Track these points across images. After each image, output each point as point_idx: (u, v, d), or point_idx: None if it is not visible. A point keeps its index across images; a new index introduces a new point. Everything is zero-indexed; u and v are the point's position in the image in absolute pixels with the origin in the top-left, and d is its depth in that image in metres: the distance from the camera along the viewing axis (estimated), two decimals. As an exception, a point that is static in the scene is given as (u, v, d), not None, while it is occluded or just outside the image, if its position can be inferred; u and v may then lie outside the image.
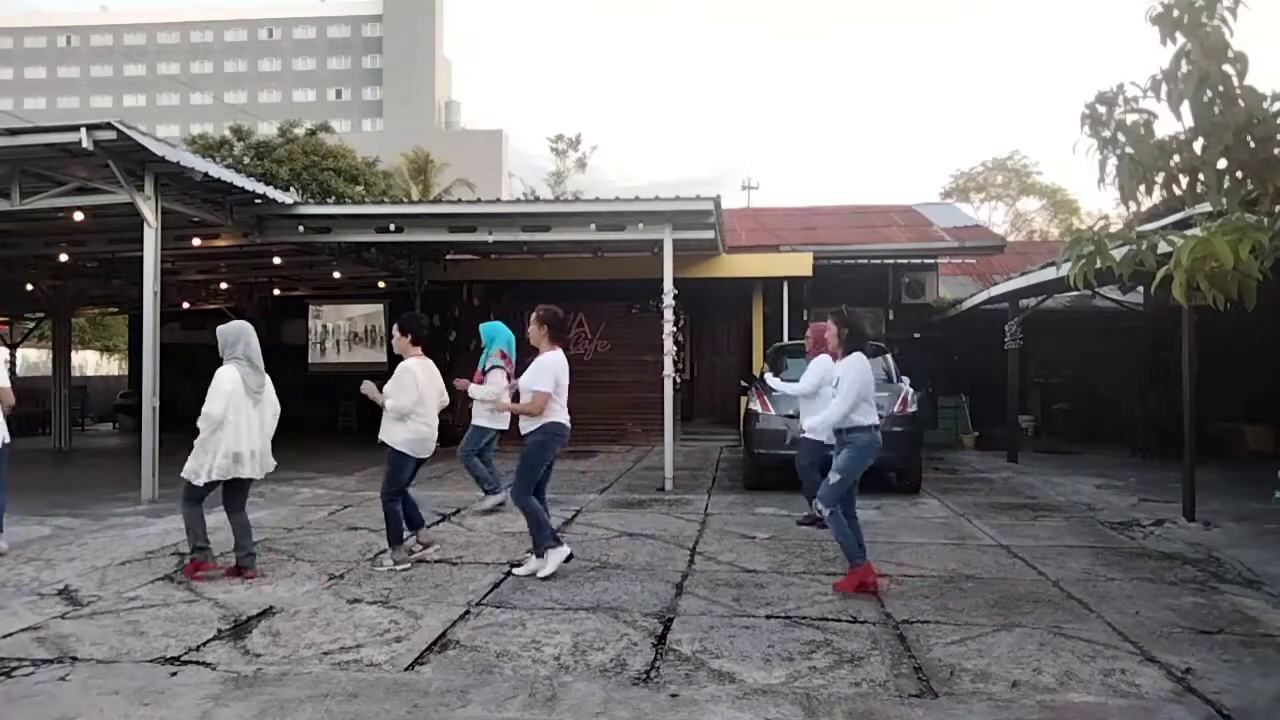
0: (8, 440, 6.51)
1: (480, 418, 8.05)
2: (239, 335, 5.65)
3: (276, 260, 13.35)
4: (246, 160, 23.71)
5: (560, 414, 5.66)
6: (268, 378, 5.75)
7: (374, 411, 6.08)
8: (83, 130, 7.80)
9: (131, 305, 17.45)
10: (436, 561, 6.02)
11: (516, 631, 4.50)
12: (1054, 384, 16.21)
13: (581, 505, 8.49)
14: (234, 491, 5.65)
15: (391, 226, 11.42)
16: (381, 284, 15.68)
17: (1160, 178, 3.18)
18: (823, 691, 3.67)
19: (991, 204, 43.37)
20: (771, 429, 8.96)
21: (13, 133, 8.28)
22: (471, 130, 77.27)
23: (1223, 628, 4.55)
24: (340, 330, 17.38)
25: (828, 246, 15.13)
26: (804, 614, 4.79)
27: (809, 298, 14.83)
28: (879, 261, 16.14)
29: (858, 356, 5.36)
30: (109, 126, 7.79)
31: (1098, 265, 3.29)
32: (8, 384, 6.61)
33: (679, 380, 12.31)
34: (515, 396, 5.89)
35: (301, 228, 11.21)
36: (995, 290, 13.27)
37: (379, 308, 17.04)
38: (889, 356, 9.69)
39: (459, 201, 19.58)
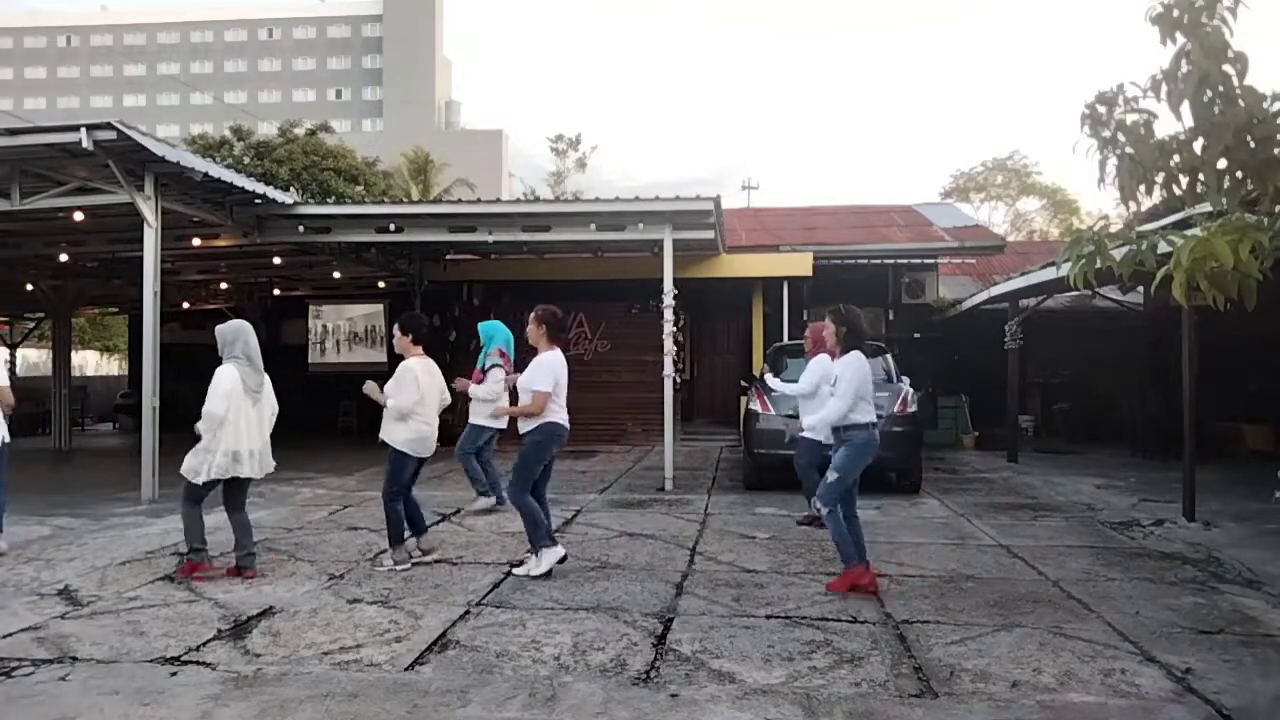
0: (8, 440, 6.51)
1: (478, 416, 8.05)
2: (237, 334, 5.65)
3: (276, 260, 13.35)
4: (246, 160, 23.71)
5: (558, 414, 5.65)
6: (267, 377, 5.75)
7: (374, 411, 6.09)
8: (83, 130, 7.80)
9: (131, 305, 17.45)
10: (436, 562, 6.01)
11: (516, 631, 4.50)
12: (1054, 384, 16.22)
13: (581, 505, 8.49)
14: (233, 491, 5.66)
15: (391, 226, 11.42)
16: (381, 284, 15.69)
17: (1160, 178, 3.18)
18: (823, 691, 3.67)
19: (991, 204, 43.41)
20: (771, 429, 8.96)
21: (13, 133, 8.28)
22: (471, 130, 77.28)
23: (1223, 628, 4.55)
24: (340, 330, 17.38)
25: (828, 246, 15.13)
26: (804, 614, 4.79)
27: (809, 298, 14.83)
28: (879, 261, 16.14)
29: (856, 355, 5.34)
30: (109, 126, 7.79)
31: (1098, 265, 3.29)
32: (7, 384, 6.61)
33: (679, 380, 12.32)
34: (513, 394, 5.88)
35: (301, 228, 11.21)
36: (995, 290, 13.28)
37: (379, 308, 17.04)
38: (889, 356, 9.69)
39: (459, 201, 19.60)
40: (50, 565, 6.04)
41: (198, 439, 5.47)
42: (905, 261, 16.33)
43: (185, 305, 17.21)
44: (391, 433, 5.88)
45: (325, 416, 16.83)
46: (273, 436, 5.80)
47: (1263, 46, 3.97)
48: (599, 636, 4.40)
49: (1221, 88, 2.95)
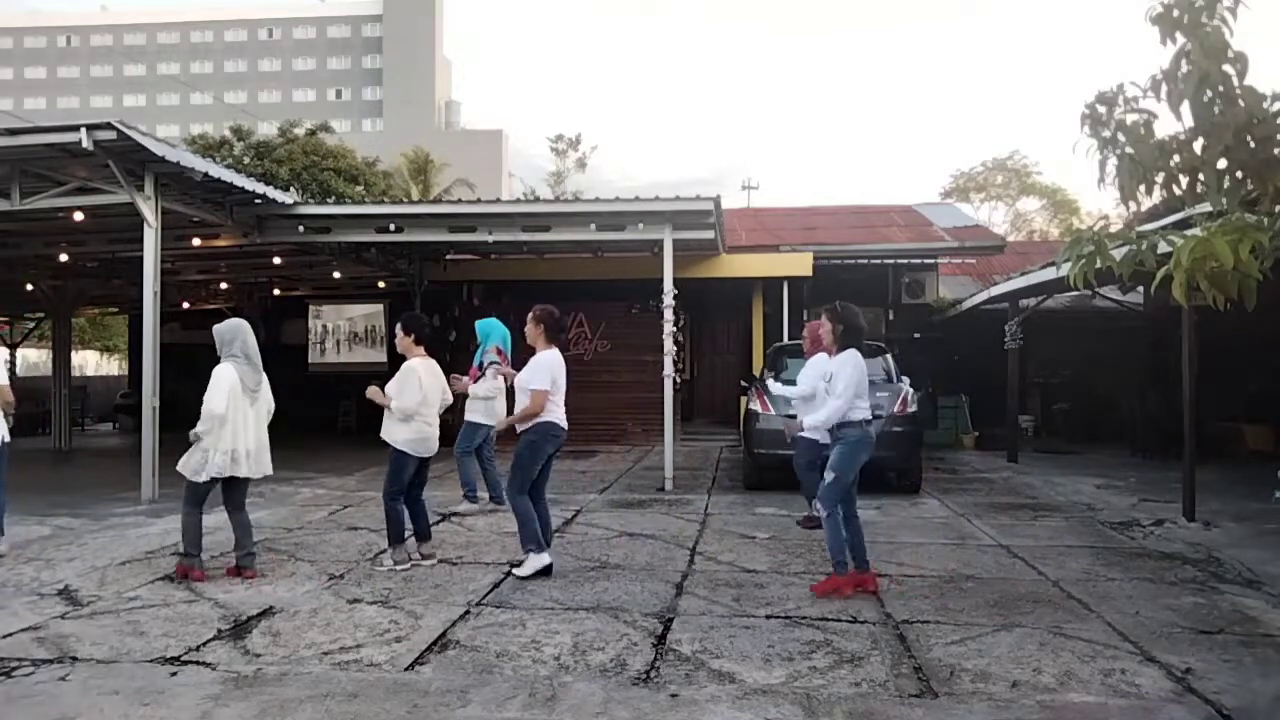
0: (8, 440, 6.50)
1: (474, 414, 8.04)
2: (235, 333, 5.65)
3: (276, 260, 13.36)
4: (246, 160, 23.70)
5: (554, 413, 5.63)
6: (265, 376, 5.75)
7: (374, 411, 6.08)
8: (83, 130, 7.80)
9: (131, 305, 17.45)
10: (437, 562, 6.01)
11: (516, 631, 4.50)
12: (1054, 384, 16.22)
13: (581, 505, 8.49)
14: (232, 490, 5.66)
15: (391, 226, 11.42)
16: (381, 284, 15.69)
17: (1160, 178, 3.18)
18: (823, 691, 3.67)
19: (991, 204, 43.41)
20: (771, 429, 8.94)
21: (13, 133, 8.28)
22: (471, 130, 77.28)
23: (1223, 628, 4.55)
24: (340, 330, 17.38)
25: (828, 246, 15.14)
26: (804, 614, 4.79)
27: (809, 298, 14.82)
28: (879, 261, 16.14)
29: (852, 353, 5.31)
30: (109, 126, 7.79)
31: (1098, 265, 3.28)
32: (7, 383, 6.61)
33: (679, 380, 12.31)
34: (510, 393, 5.87)
35: (301, 228, 11.21)
36: (995, 290, 13.28)
37: (379, 308, 17.04)
38: (889, 356, 9.69)
39: (459, 201, 19.60)
40: (50, 565, 6.04)
41: (193, 442, 5.47)
42: (905, 261, 16.33)
43: (185, 305, 17.21)
44: (392, 432, 5.88)
45: (325, 416, 16.84)
46: (272, 436, 5.80)
47: (1263, 46, 3.97)
48: (599, 636, 4.40)
49: (1221, 88, 2.95)
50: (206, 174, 8.71)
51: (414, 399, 5.83)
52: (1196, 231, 2.99)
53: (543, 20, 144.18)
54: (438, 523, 7.43)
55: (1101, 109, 3.21)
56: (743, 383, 11.05)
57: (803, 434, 7.08)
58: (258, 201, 10.21)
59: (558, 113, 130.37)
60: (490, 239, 11.31)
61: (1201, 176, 3.13)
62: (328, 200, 20.50)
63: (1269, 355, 11.89)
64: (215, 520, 5.92)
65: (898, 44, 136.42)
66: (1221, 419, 12.51)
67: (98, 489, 9.66)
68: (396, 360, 6.16)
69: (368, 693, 3.68)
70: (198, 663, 4.05)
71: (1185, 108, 3.00)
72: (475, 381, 7.75)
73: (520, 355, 6.71)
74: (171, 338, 13.27)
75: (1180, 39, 2.99)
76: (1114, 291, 12.87)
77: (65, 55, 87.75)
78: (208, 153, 21.16)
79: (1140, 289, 12.24)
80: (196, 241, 11.44)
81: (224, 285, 16.34)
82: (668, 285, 10.04)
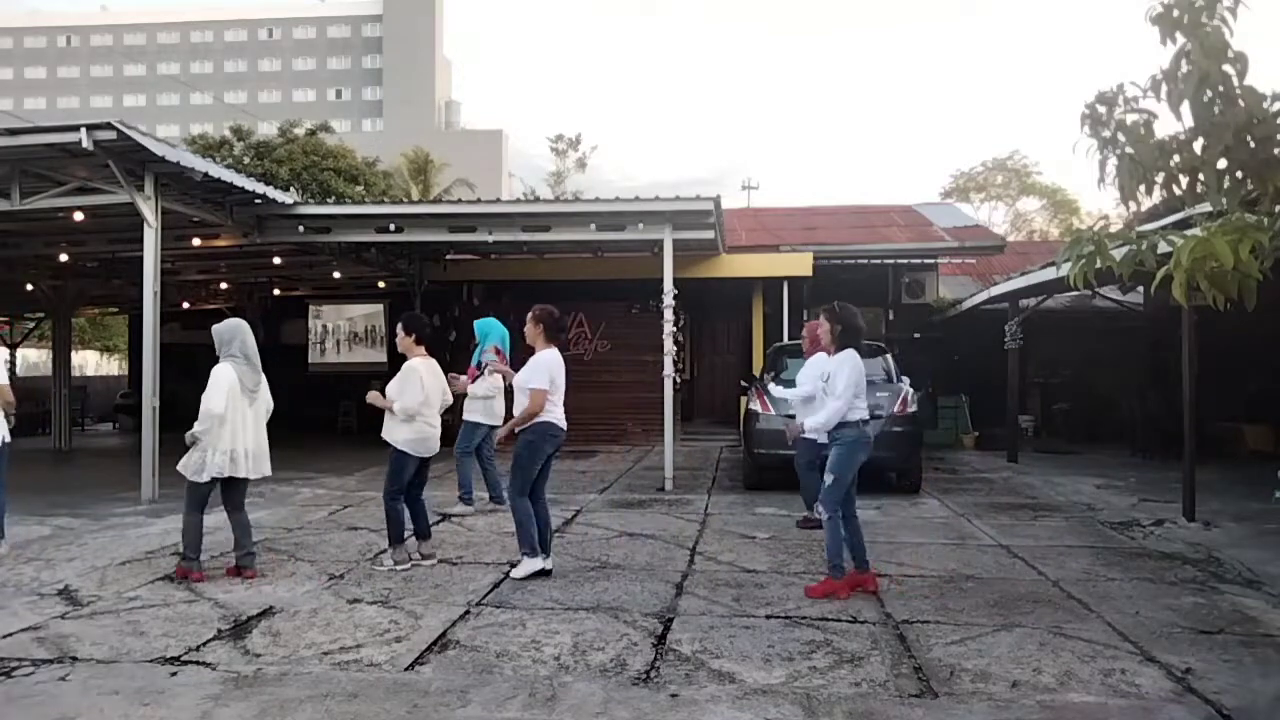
0: (8, 440, 6.50)
1: (473, 413, 8.04)
2: (234, 333, 5.65)
3: (276, 260, 13.35)
4: (246, 160, 23.71)
5: (553, 413, 5.61)
6: (264, 376, 5.75)
7: (374, 412, 6.07)
8: (83, 130, 7.79)
9: (131, 305, 17.45)
10: (437, 562, 6.01)
11: (516, 631, 4.50)
12: (1054, 384, 16.22)
13: (581, 505, 8.49)
14: (231, 490, 5.66)
15: (391, 226, 11.42)
16: (381, 284, 15.69)
17: (1160, 178, 3.18)
18: (823, 691, 3.67)
19: (991, 204, 43.41)
20: (771, 429, 8.94)
21: (13, 133, 8.28)
22: (471, 130, 77.28)
23: (1223, 628, 4.55)
24: (340, 330, 17.39)
25: (828, 246, 15.13)
26: (804, 614, 4.79)
27: (809, 298, 14.82)
28: (879, 261, 16.14)
29: (850, 353, 5.31)
30: (109, 126, 7.79)
31: (1098, 265, 3.28)
32: (7, 383, 6.61)
33: (679, 380, 12.31)
34: (509, 392, 5.86)
35: (301, 228, 11.21)
36: (995, 290, 13.27)
37: (379, 308, 17.05)
38: (889, 356, 9.68)
39: (459, 201, 19.60)
40: (50, 565, 6.04)
41: (190, 443, 5.46)
42: (905, 261, 16.33)
43: (185, 305, 17.21)
44: (393, 432, 5.88)
45: (325, 416, 16.84)
46: (272, 437, 5.80)
47: (1263, 46, 3.97)
48: (599, 636, 4.40)
49: (1221, 88, 2.95)
50: (206, 174, 8.71)
51: (416, 399, 5.83)
52: (1196, 231, 2.99)
53: (542, 20, 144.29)
54: (437, 523, 7.43)
55: (1101, 109, 3.21)
56: (743, 383, 11.05)
57: (802, 434, 7.09)
58: (258, 201, 10.21)
59: (558, 113, 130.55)
60: (490, 239, 11.31)
61: (1201, 176, 3.13)
62: (328, 200, 20.50)
63: (1269, 355, 11.89)
64: (215, 520, 5.92)
65: (898, 44, 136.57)
66: (1221, 419, 12.51)
67: (98, 489, 9.65)
68: (397, 360, 6.16)
69: (368, 693, 3.68)
70: (198, 663, 4.05)
71: (1185, 108, 3.00)
72: (474, 381, 7.76)
73: (519, 355, 6.71)
74: (171, 338, 13.27)
75: (1180, 39, 2.99)
76: (1114, 291, 12.87)
77: (65, 55, 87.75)
78: (208, 153, 21.16)
79: (1140, 289, 12.24)
80: (196, 241, 11.44)
81: (224, 285, 16.34)
82: (668, 285, 10.04)
